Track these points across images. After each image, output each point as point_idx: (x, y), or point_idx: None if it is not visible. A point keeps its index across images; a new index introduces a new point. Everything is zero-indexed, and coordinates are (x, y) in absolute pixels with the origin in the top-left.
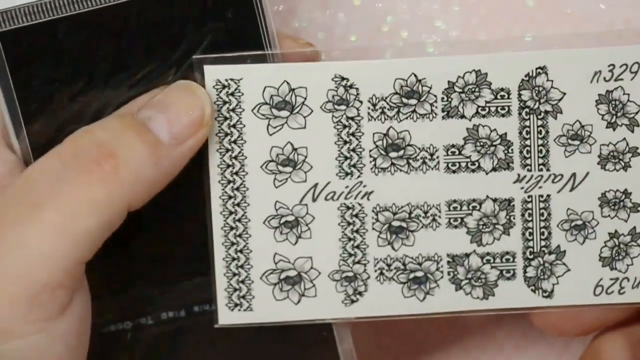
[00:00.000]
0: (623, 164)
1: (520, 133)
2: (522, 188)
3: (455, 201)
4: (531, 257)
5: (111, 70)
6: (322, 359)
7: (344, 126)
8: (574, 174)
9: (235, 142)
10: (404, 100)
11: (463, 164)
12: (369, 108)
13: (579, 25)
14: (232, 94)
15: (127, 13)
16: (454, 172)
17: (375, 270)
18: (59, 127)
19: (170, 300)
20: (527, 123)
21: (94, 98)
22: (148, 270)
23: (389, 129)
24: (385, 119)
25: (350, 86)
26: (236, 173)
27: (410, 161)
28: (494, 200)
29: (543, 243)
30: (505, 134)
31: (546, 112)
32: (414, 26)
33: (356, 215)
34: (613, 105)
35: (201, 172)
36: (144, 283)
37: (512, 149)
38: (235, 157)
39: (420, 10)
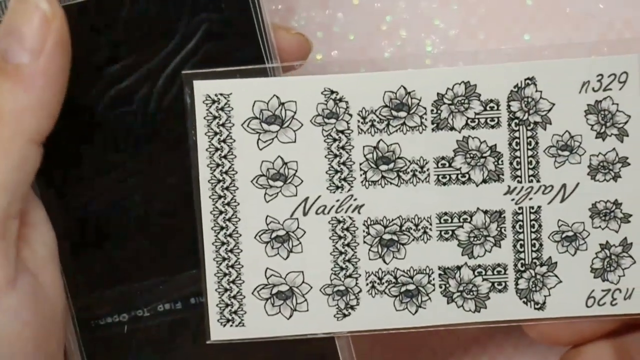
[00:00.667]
0: (613, 174)
1: (510, 144)
2: (513, 200)
3: (446, 213)
4: (522, 269)
5: (104, 61)
6: (320, 352)
7: (334, 139)
8: (564, 185)
9: (225, 157)
10: (394, 112)
11: (453, 176)
12: (358, 121)
13: (578, 25)
14: (222, 109)
15: (120, 3)
16: (444, 184)
17: (367, 284)
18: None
19: (167, 292)
20: (516, 134)
21: (88, 89)
22: (144, 263)
23: (379, 141)
24: (375, 131)
25: (340, 99)
26: (227, 188)
27: (401, 174)
28: (485, 212)
29: (534, 255)
30: (495, 145)
31: (535, 122)
32: (412, 25)
33: (347, 229)
34: (602, 115)
35: (192, 187)
36: (140, 275)
37: (502, 161)
38: (226, 172)
39: (419, 9)
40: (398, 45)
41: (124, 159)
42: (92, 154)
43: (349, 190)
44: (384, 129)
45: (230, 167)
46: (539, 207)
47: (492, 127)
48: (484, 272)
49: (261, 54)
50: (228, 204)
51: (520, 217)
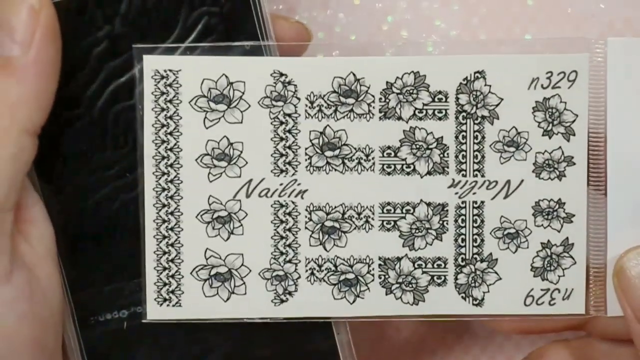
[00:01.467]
0: (558, 173)
1: (457, 137)
2: (457, 193)
3: (389, 204)
4: (463, 263)
5: (105, 55)
6: (319, 348)
7: (281, 122)
8: (508, 181)
9: (171, 133)
10: (342, 99)
11: (398, 166)
12: (306, 105)
13: (579, 25)
14: (170, 85)
15: None
16: (388, 174)
17: (306, 270)
18: (55, 111)
19: None
20: (463, 127)
21: (88, 82)
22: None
23: (325, 127)
24: (322, 117)
25: (289, 82)
26: (171, 165)
27: (346, 161)
28: (428, 204)
29: (475, 250)
30: (442, 137)
31: (483, 117)
32: (414, 26)
33: (289, 214)
34: (550, 113)
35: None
36: (139, 271)
37: (447, 153)
38: (171, 149)
39: (420, 9)
40: (399, 46)
41: (124, 154)
42: (91, 149)
43: (293, 174)
44: (331, 114)
45: (175, 145)
46: (482, 202)
47: (440, 119)
48: (424, 265)
49: (260, 47)
50: (171, 181)
51: (463, 211)
